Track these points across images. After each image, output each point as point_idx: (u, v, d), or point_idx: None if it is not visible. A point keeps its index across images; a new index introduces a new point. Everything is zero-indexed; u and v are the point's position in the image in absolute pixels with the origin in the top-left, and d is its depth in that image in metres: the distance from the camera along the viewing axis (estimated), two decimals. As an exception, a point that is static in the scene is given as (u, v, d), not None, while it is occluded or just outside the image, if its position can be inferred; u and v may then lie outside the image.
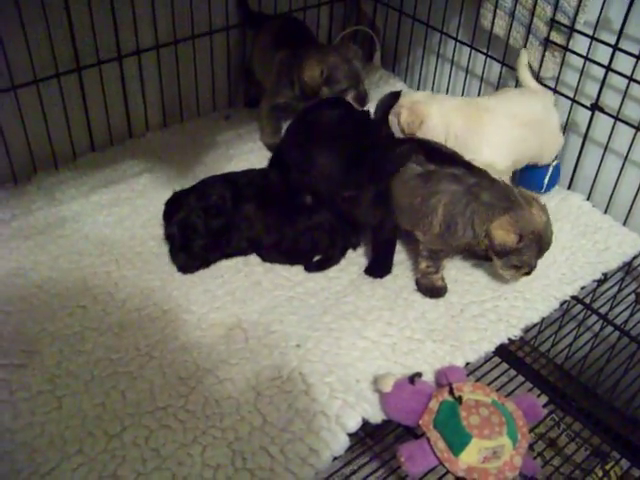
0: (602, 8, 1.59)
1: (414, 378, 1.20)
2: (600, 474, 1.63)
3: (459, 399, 1.16)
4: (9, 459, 1.10)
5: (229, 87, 2.06)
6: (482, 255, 1.47)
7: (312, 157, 1.48)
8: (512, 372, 1.77)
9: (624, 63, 1.57)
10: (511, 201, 1.37)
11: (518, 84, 1.78)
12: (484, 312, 1.43)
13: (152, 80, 1.86)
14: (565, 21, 1.65)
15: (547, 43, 1.70)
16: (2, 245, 1.52)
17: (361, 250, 1.58)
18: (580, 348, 1.69)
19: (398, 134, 1.65)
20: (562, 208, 1.72)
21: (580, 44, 1.66)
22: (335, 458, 1.17)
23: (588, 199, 1.77)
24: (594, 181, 1.74)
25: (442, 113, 1.61)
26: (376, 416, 1.21)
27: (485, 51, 1.89)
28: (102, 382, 1.24)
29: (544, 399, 1.57)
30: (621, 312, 1.68)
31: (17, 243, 1.53)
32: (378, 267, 1.52)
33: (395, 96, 1.60)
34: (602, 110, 1.65)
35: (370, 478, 1.45)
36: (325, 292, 1.46)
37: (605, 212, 1.73)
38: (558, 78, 1.75)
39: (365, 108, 1.70)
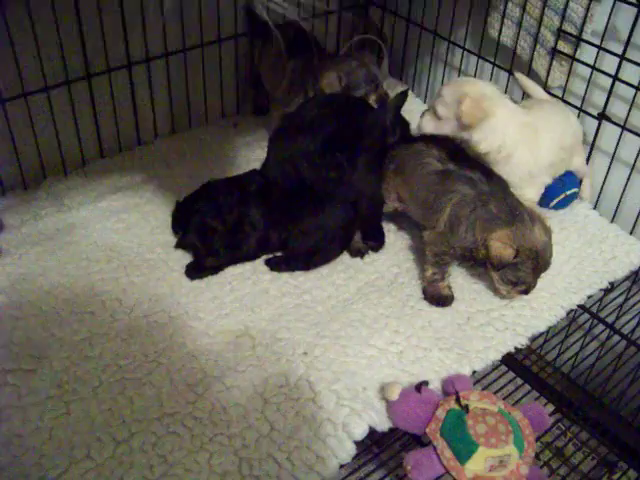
0: (609, 18, 1.59)
1: (421, 386, 1.21)
2: (607, 484, 1.64)
3: (466, 408, 1.16)
4: (18, 464, 1.11)
5: (237, 95, 2.07)
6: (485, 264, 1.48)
7: (292, 144, 1.52)
8: (519, 381, 1.77)
9: (631, 72, 1.57)
10: (515, 216, 1.37)
11: (525, 95, 1.79)
12: (491, 321, 1.43)
13: (161, 87, 1.87)
14: (572, 31, 1.66)
15: (554, 52, 1.71)
16: (11, 251, 1.52)
17: (369, 258, 1.58)
18: (587, 357, 1.70)
19: (444, 117, 1.54)
20: (569, 217, 1.72)
21: (587, 53, 1.66)
22: (342, 466, 1.17)
23: (595, 208, 1.76)
24: (601, 190, 1.74)
25: (506, 118, 1.53)
26: (383, 424, 1.21)
27: (492, 60, 1.90)
28: (110, 388, 1.24)
29: (550, 408, 1.58)
30: (628, 321, 1.68)
31: (26, 249, 1.53)
32: (379, 233, 1.60)
33: (404, 95, 1.61)
34: (609, 119, 1.66)
35: (376, 486, 1.45)
36: (332, 300, 1.47)
37: (612, 221, 1.73)
38: (565, 87, 1.75)
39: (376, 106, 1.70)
